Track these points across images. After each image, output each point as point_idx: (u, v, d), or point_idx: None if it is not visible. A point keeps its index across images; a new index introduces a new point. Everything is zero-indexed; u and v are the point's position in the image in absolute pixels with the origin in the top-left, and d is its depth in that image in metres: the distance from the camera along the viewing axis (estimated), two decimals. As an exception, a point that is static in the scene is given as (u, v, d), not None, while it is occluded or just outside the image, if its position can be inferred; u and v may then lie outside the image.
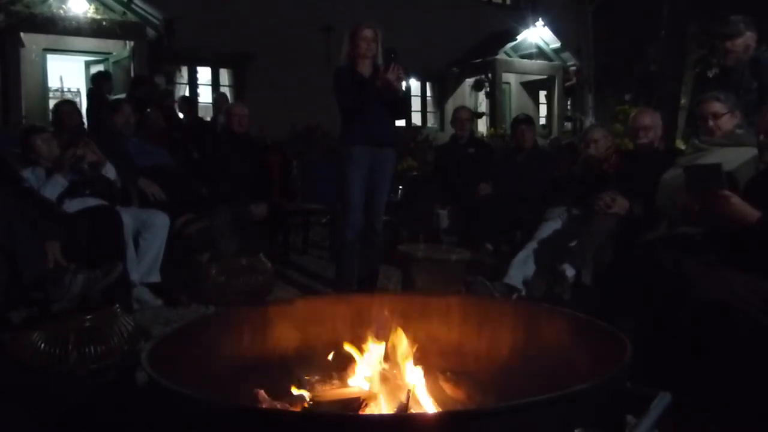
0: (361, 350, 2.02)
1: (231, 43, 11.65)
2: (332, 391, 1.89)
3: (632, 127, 4.07)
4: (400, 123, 14.14)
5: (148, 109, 6.62)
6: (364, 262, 4.22)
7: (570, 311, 2.12)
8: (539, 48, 15.26)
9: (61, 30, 9.87)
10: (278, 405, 1.81)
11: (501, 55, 14.77)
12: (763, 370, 2.11)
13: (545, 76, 15.97)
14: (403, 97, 4.14)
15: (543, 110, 16.97)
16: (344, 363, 2.05)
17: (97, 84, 7.94)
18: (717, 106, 3.36)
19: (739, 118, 3.40)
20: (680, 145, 8.32)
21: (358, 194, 4.07)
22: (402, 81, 4.00)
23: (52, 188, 3.69)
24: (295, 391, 1.91)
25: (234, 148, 5.02)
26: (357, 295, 2.77)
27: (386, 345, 2.02)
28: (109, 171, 4.10)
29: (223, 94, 10.60)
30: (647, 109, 4.66)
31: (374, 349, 2.02)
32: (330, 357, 2.09)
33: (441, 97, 15.39)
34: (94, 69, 10.80)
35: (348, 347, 2.01)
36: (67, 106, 6.11)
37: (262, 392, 1.79)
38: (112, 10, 10.32)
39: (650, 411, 1.59)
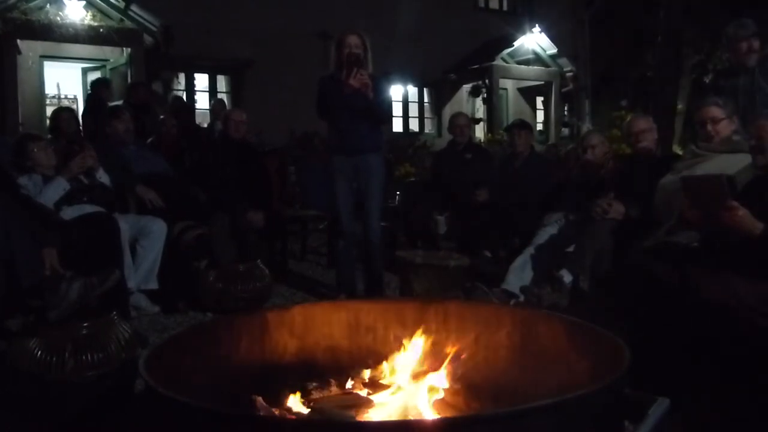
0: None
1: (228, 49, 11.68)
2: (330, 398, 1.88)
3: (629, 132, 4.10)
4: (398, 128, 14.25)
5: (162, 116, 6.66)
6: (366, 270, 4.29)
7: (568, 317, 2.12)
8: (536, 54, 15.32)
9: (58, 37, 9.87)
10: (276, 412, 1.81)
11: (498, 61, 14.82)
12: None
13: (542, 82, 16.04)
14: (375, 102, 3.98)
15: (540, 116, 17.02)
16: (342, 370, 2.05)
17: (96, 90, 7.94)
18: (715, 111, 3.38)
19: (737, 124, 3.41)
20: (677, 150, 8.34)
21: (345, 202, 4.13)
22: (368, 86, 3.88)
23: (54, 191, 3.69)
24: (292, 398, 1.91)
25: (232, 154, 5.01)
26: (354, 302, 2.77)
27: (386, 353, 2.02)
28: (103, 177, 4.10)
29: (221, 100, 10.60)
30: (640, 114, 4.69)
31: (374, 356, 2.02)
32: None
33: (438, 103, 15.43)
34: (91, 76, 10.81)
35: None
36: (66, 112, 6.13)
37: (260, 399, 1.79)
38: (109, 17, 10.33)
39: (648, 417, 1.59)
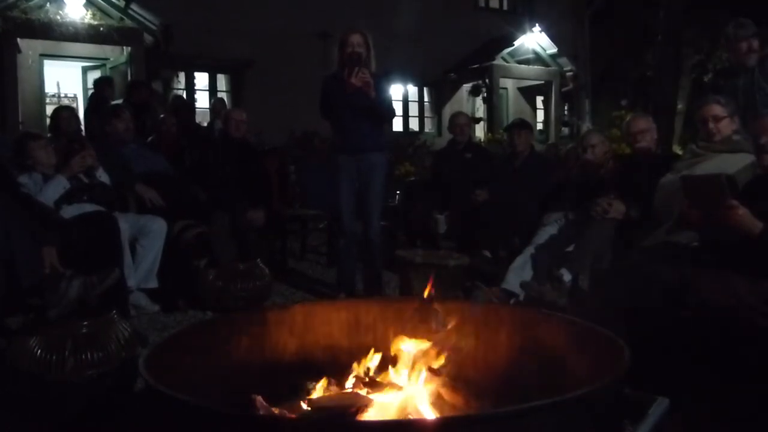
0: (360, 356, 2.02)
1: (228, 49, 11.68)
2: (330, 397, 1.88)
3: (628, 132, 4.11)
4: (398, 128, 14.25)
5: (162, 115, 6.66)
6: (366, 269, 4.31)
7: (568, 316, 2.12)
8: (536, 53, 15.32)
9: (58, 35, 9.86)
10: (276, 411, 1.81)
11: (498, 61, 14.82)
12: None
13: (542, 82, 16.04)
14: (377, 101, 3.98)
15: (540, 115, 17.02)
16: (342, 369, 2.05)
17: (99, 89, 7.93)
18: (717, 109, 3.37)
19: (737, 123, 3.41)
20: (677, 150, 8.34)
21: (347, 201, 4.15)
22: (370, 85, 3.88)
23: (54, 189, 3.69)
24: (292, 397, 1.91)
25: (232, 153, 5.01)
26: (354, 302, 2.76)
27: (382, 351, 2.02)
28: (103, 176, 4.10)
29: (221, 99, 10.59)
30: (639, 114, 4.70)
31: (372, 355, 2.02)
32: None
33: (438, 102, 15.43)
34: (91, 74, 10.81)
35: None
36: (65, 111, 6.12)
37: (259, 398, 1.79)
38: (109, 15, 10.33)
39: (648, 417, 1.59)
